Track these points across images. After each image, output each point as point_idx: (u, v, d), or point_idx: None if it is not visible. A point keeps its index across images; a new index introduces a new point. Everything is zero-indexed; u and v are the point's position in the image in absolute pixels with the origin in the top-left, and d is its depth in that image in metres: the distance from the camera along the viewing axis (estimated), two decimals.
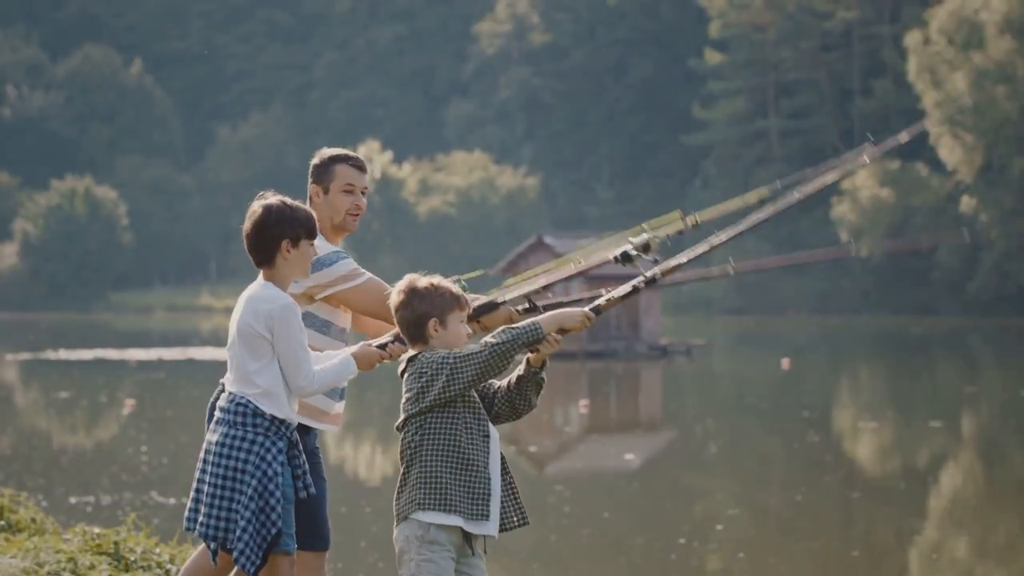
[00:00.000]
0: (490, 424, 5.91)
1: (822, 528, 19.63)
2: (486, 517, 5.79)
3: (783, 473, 24.97)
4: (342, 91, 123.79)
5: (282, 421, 6.10)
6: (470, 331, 6.02)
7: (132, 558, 9.36)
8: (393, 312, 6.05)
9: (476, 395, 5.91)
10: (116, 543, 9.46)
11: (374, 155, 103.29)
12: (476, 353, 5.78)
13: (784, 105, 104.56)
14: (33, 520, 10.72)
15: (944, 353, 61.39)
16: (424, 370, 5.86)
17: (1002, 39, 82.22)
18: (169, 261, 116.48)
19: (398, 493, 5.92)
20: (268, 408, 6.08)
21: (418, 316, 5.93)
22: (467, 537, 5.84)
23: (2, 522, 10.54)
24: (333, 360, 6.19)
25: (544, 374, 6.02)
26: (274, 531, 6.03)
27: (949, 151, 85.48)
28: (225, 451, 6.08)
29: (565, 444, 30.07)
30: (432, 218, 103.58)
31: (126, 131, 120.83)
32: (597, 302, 6.16)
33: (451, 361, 5.80)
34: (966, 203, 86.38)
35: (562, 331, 5.93)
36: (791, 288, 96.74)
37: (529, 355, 6.00)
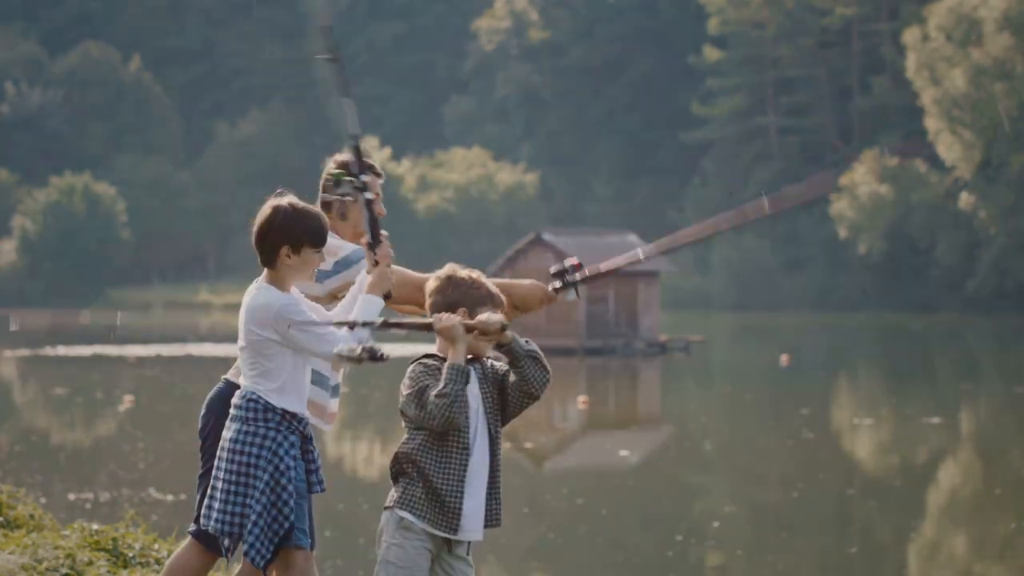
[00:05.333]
0: (472, 437, 5.94)
1: (819, 525, 19.66)
2: (452, 531, 5.88)
3: (780, 470, 24.99)
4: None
5: (294, 415, 6.11)
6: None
7: (130, 554, 9.37)
8: (427, 295, 6.11)
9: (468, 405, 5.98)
10: (114, 539, 9.47)
11: (373, 152, 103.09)
12: (432, 409, 5.83)
13: (783, 102, 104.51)
14: (31, 516, 10.73)
15: (942, 350, 61.42)
16: (403, 390, 5.94)
17: (1001, 36, 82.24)
18: (168, 258, 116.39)
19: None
20: (279, 403, 6.08)
21: (449, 303, 6.01)
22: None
23: (0, 518, 10.55)
24: (356, 303, 6.12)
25: (523, 343, 5.97)
26: (287, 525, 6.05)
27: (948, 148, 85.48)
28: (238, 447, 6.08)
29: (563, 440, 30.10)
30: (431, 215, 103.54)
31: (125, 128, 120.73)
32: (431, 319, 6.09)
33: (418, 398, 5.86)
34: (965, 200, 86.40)
35: (476, 331, 5.93)
36: (790, 285, 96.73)
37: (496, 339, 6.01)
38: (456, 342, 5.90)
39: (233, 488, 6.08)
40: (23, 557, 8.82)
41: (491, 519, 5.99)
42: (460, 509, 5.89)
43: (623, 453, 27.38)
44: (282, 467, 6.06)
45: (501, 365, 6.07)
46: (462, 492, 5.90)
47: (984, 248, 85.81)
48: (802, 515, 20.42)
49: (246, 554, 6.07)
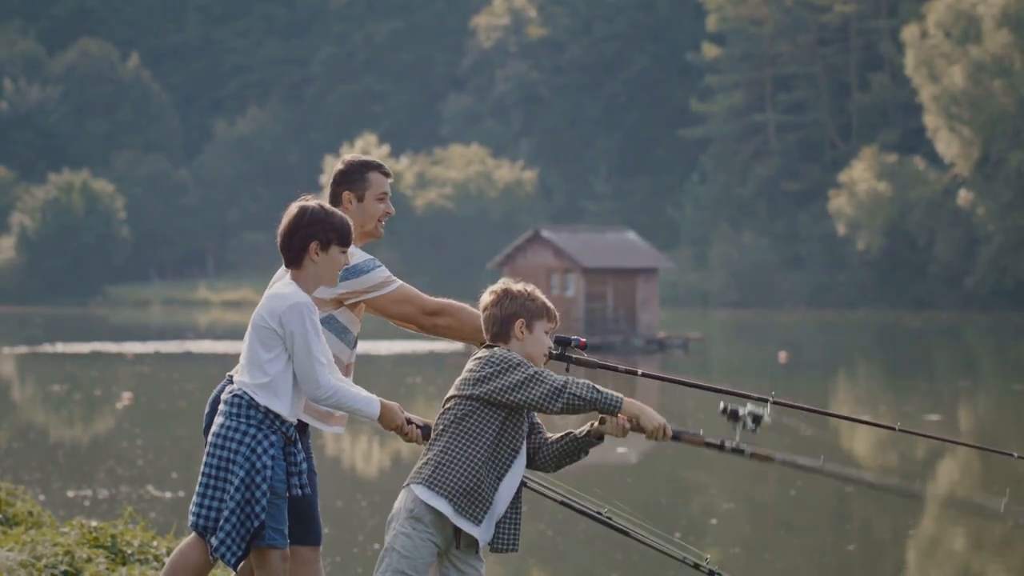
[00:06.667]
0: (524, 446, 6.00)
1: (817, 522, 19.67)
2: (476, 521, 5.86)
3: (778, 468, 24.98)
4: (339, 85, 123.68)
5: (276, 415, 6.12)
6: (551, 344, 6.09)
7: (129, 551, 9.38)
8: (481, 310, 6.16)
9: (528, 418, 6.01)
10: (113, 536, 9.48)
11: (371, 149, 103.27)
12: (554, 389, 5.85)
13: (782, 99, 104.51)
14: (30, 513, 10.73)
15: (941, 347, 61.43)
16: (494, 360, 5.95)
17: (999, 33, 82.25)
18: (166, 255, 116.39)
19: (419, 460, 6.04)
20: (264, 401, 6.10)
21: (507, 314, 6.06)
22: (457, 531, 5.91)
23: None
24: (361, 391, 6.23)
25: (589, 451, 6.15)
26: (256, 523, 6.03)
27: (946, 145, 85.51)
28: (219, 441, 6.12)
29: None
30: (429, 212, 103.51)
31: (123, 125, 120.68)
32: (681, 431, 6.27)
33: (528, 372, 5.87)
34: (963, 197, 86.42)
35: (634, 423, 6.01)
36: (788, 282, 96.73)
37: (595, 423, 6.09)
38: (641, 417, 6.04)
39: (211, 483, 6.11)
40: (22, 554, 8.83)
41: (507, 543, 6.03)
42: (491, 501, 5.88)
43: (621, 450, 27.39)
44: (258, 465, 6.07)
45: (531, 414, 6.10)
46: (497, 487, 5.90)
47: (983, 245, 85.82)
48: (800, 513, 20.43)
49: (216, 551, 6.05)
